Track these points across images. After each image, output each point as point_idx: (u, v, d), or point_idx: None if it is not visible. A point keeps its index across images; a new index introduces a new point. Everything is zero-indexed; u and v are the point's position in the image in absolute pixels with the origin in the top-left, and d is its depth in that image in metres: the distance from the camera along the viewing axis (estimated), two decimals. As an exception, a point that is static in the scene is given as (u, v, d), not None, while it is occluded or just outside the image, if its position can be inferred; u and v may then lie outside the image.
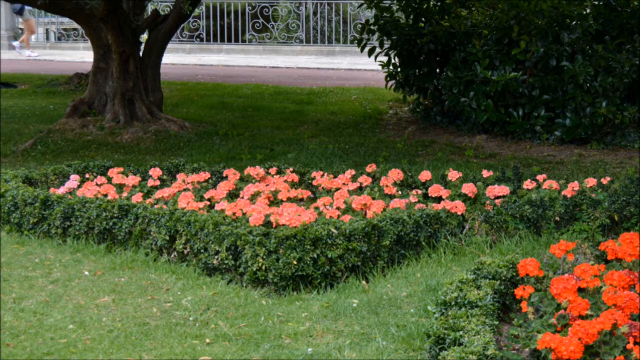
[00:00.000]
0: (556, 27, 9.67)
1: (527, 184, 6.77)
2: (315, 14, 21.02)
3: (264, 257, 5.32)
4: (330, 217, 5.93)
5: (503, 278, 4.72)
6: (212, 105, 12.69)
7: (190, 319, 4.85)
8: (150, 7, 14.23)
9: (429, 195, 6.74)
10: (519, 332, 4.26)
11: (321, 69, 18.32)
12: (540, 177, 6.97)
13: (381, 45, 11.22)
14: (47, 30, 24.25)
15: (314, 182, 7.03)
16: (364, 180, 6.95)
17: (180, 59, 19.88)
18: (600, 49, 9.57)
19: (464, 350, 3.74)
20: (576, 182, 6.74)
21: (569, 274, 4.52)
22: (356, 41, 11.65)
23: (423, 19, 10.94)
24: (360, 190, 6.88)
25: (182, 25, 15.62)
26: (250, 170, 7.11)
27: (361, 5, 16.15)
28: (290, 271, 5.28)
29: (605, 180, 6.76)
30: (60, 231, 6.32)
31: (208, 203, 6.45)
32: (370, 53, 11.43)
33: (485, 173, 7.10)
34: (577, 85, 9.53)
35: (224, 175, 7.13)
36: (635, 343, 3.83)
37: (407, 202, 6.35)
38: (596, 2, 10.22)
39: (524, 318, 4.40)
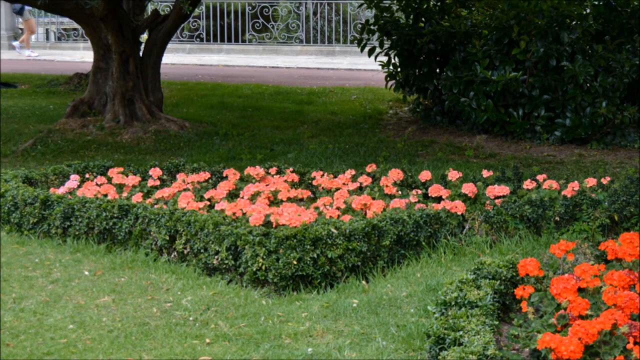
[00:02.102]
0: (556, 27, 9.67)
1: (527, 184, 6.77)
2: (315, 14, 21.01)
3: (264, 257, 5.32)
4: (330, 217, 5.93)
5: (503, 278, 4.72)
6: (212, 105, 12.69)
7: (190, 319, 4.85)
8: (150, 7, 14.23)
9: (429, 195, 6.74)
10: (519, 332, 4.26)
11: (321, 69, 18.32)
12: (540, 177, 6.97)
13: (381, 45, 11.22)
14: (47, 30, 24.24)
15: (314, 182, 7.03)
16: (364, 180, 6.95)
17: (180, 59, 19.88)
18: (600, 49, 9.57)
19: (464, 350, 3.74)
20: (576, 182, 6.74)
21: (569, 274, 4.52)
22: (356, 41, 11.66)
23: (423, 19, 10.94)
24: (360, 190, 6.88)
25: (182, 25, 15.62)
26: (250, 170, 7.11)
27: (361, 5, 16.15)
28: (290, 271, 5.28)
29: (605, 180, 6.76)
30: (60, 231, 6.32)
31: (208, 203, 6.45)
32: (370, 53, 11.43)
33: (485, 173, 7.11)
34: (577, 85, 9.53)
35: (224, 175, 7.13)
36: (635, 343, 3.83)
37: (407, 202, 6.35)
38: (596, 2, 10.22)
39: (524, 318, 4.40)
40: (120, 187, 6.97)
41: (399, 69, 11.20)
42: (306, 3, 20.96)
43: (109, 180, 7.09)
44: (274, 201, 6.54)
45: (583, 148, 9.47)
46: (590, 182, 6.74)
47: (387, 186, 6.78)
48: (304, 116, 11.80)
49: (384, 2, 11.25)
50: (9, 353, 4.38)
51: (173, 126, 10.47)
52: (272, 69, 18.31)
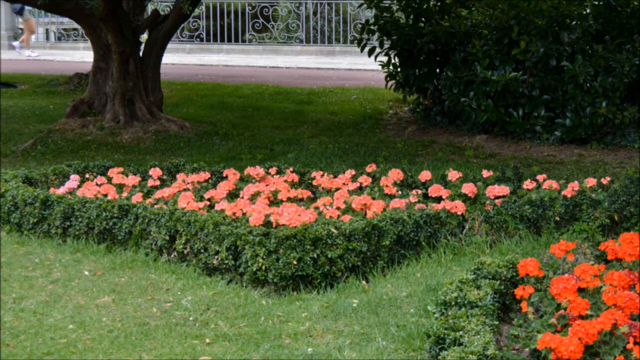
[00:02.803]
0: (556, 27, 9.67)
1: (527, 184, 6.77)
2: (315, 14, 21.01)
3: (264, 257, 5.32)
4: (330, 217, 5.93)
5: (503, 278, 4.72)
6: (212, 105, 12.69)
7: (190, 319, 4.85)
8: (150, 7, 14.23)
9: (429, 195, 6.74)
10: (519, 332, 4.26)
11: (321, 69, 18.32)
12: (540, 177, 6.97)
13: (381, 45, 11.22)
14: (47, 30, 24.24)
15: (314, 182, 7.03)
16: (364, 180, 6.95)
17: (180, 59, 19.88)
18: (600, 49, 9.57)
19: (464, 350, 3.74)
20: (576, 182, 6.74)
21: (569, 274, 4.52)
22: (356, 41, 11.66)
23: (423, 19, 10.94)
24: (360, 190, 6.88)
25: (182, 25, 15.62)
26: (250, 170, 7.11)
27: (361, 5, 16.15)
28: (290, 271, 5.28)
29: (605, 180, 6.76)
30: (60, 231, 6.32)
31: (208, 203, 6.45)
32: (370, 53, 11.43)
33: (485, 173, 7.11)
34: (577, 85, 9.53)
35: (224, 175, 7.13)
36: (635, 343, 3.83)
37: (407, 202, 6.35)
38: (596, 2, 10.22)
39: (524, 318, 4.40)
40: (120, 187, 6.97)
41: (399, 69, 11.20)
42: (306, 3, 20.96)
43: (109, 180, 7.09)
44: (274, 201, 6.54)
45: (583, 148, 9.47)
46: (590, 182, 6.74)
47: (387, 186, 6.78)
48: (304, 116, 11.80)
49: (384, 2, 11.25)
50: (9, 353, 4.38)
51: (173, 126, 10.47)
52: (272, 69, 18.31)
